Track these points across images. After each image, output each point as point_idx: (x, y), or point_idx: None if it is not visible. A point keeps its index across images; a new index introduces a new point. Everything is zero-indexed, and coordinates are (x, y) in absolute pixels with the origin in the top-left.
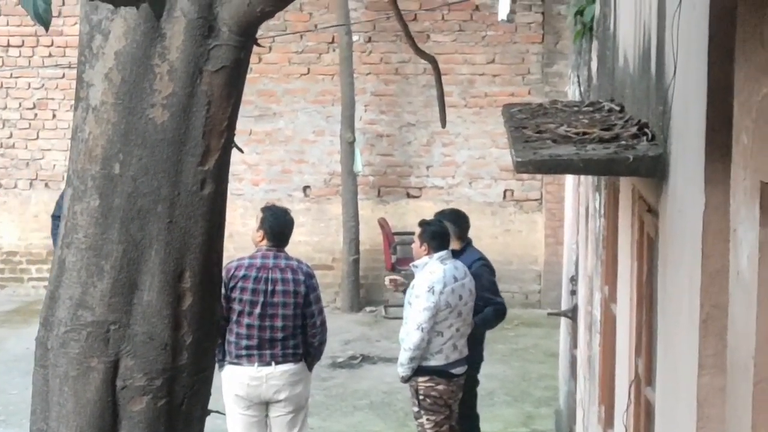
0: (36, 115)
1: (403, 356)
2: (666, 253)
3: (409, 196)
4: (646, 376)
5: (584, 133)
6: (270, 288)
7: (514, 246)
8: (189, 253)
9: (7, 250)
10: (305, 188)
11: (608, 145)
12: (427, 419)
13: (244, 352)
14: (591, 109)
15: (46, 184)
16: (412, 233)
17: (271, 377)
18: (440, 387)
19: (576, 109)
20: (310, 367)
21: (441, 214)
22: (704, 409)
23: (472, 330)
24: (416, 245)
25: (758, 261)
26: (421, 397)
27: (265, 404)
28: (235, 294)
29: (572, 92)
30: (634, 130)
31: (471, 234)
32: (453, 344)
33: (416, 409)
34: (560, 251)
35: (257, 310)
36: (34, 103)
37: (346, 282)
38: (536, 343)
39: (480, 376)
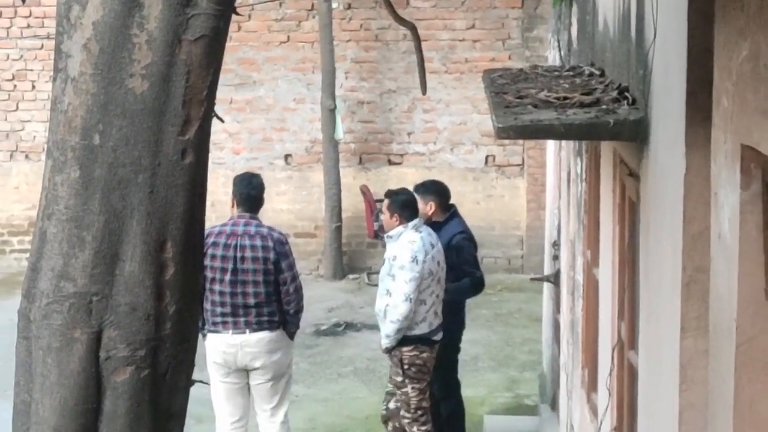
0: (15, 86)
1: (390, 328)
2: (648, 217)
3: (390, 162)
4: (629, 340)
5: (565, 98)
6: (239, 255)
7: (497, 211)
8: (171, 222)
9: None
10: (287, 156)
11: (589, 110)
12: (412, 388)
13: (219, 319)
14: (571, 73)
15: (27, 156)
16: None
17: (246, 345)
18: (424, 354)
19: (556, 73)
20: (290, 336)
21: (422, 186)
22: (687, 371)
23: (451, 298)
24: (386, 216)
25: (739, 223)
26: (405, 367)
27: (245, 371)
28: (207, 261)
29: (553, 57)
30: (614, 94)
31: (453, 200)
32: (435, 311)
33: (400, 378)
34: (542, 216)
35: (227, 277)
36: (13, 74)
37: (329, 250)
38: (519, 308)
39: (464, 342)
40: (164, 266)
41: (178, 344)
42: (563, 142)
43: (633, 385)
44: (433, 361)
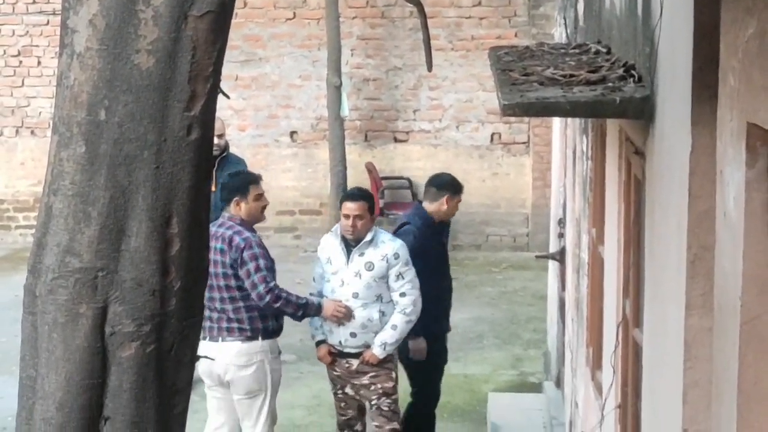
0: (21, 62)
1: (405, 328)
2: (653, 195)
3: (396, 140)
4: (633, 318)
5: (571, 76)
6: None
7: (502, 189)
8: (176, 198)
9: None
10: (292, 133)
11: (595, 87)
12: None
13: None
14: (578, 51)
15: (32, 132)
16: (400, 177)
17: (219, 354)
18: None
19: (563, 51)
20: (300, 317)
21: (438, 179)
22: (692, 349)
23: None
24: (366, 219)
25: (744, 202)
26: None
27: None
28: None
29: (559, 34)
30: (620, 71)
31: (459, 178)
32: None
33: (392, 384)
34: (548, 194)
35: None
36: (19, 50)
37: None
38: (525, 285)
39: (468, 320)
40: (170, 242)
41: (183, 320)
42: (569, 120)
43: (637, 363)
44: None
